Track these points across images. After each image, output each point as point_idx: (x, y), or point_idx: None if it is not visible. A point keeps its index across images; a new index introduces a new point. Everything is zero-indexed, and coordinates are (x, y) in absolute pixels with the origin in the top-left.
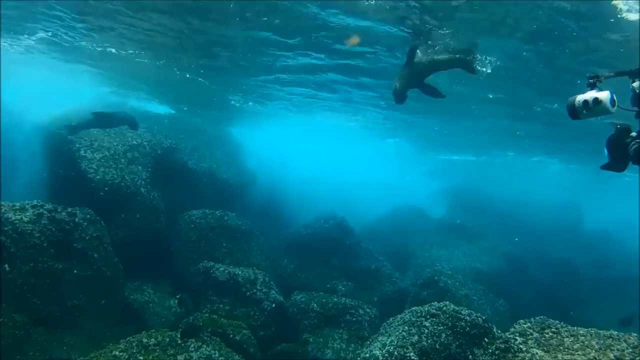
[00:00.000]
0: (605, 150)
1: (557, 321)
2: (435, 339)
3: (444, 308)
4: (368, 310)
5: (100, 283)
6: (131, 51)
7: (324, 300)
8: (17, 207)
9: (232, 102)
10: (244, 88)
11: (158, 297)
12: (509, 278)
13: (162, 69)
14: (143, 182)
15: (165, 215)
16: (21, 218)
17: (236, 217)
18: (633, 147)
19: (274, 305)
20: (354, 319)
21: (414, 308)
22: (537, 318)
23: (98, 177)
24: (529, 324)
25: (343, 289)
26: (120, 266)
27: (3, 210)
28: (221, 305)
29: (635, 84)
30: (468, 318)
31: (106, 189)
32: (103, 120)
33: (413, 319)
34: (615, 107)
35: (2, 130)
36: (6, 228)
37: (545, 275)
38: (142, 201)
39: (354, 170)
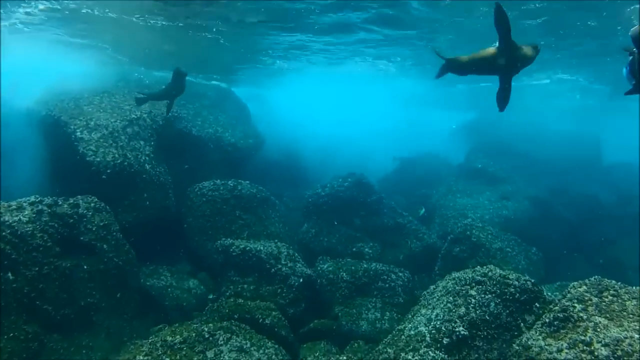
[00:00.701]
0: (628, 76)
1: (614, 281)
2: (484, 309)
3: (490, 274)
4: (400, 274)
5: (113, 275)
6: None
7: (352, 267)
8: (14, 207)
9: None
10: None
11: (176, 279)
12: (536, 222)
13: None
14: (147, 158)
15: (173, 191)
16: (19, 219)
17: (250, 185)
18: None
19: (301, 280)
20: (387, 285)
21: (456, 275)
22: (593, 279)
23: (98, 159)
24: (584, 287)
25: (370, 251)
26: (133, 252)
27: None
28: (245, 286)
29: None
30: (517, 283)
31: (108, 170)
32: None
33: (457, 287)
34: None
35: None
36: (4, 233)
37: (571, 215)
38: (149, 179)
39: (370, 120)
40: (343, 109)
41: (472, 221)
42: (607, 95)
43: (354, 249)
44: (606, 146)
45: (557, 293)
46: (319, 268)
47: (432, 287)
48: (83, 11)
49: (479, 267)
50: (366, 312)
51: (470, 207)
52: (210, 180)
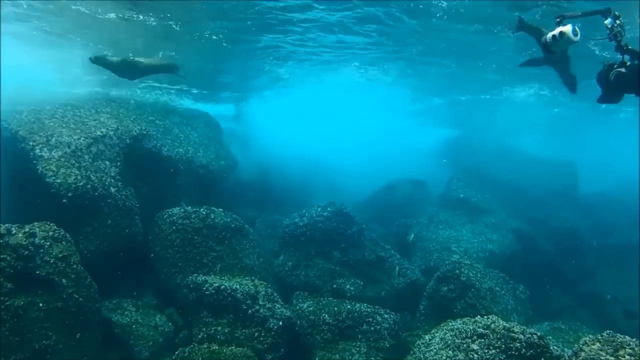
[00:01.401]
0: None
1: (627, 337)
2: None
3: (493, 326)
4: (386, 316)
5: (72, 313)
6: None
7: (335, 308)
8: None
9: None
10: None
11: (141, 315)
12: (519, 255)
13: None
14: (112, 180)
15: (140, 216)
16: None
17: (223, 214)
18: (612, 75)
19: (281, 323)
20: (372, 327)
21: (454, 325)
22: (605, 334)
23: (59, 181)
24: (598, 345)
25: (352, 288)
26: (95, 286)
27: None
28: (219, 328)
29: (607, 22)
30: (522, 337)
31: (69, 194)
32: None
33: (457, 340)
34: (579, 36)
35: None
36: None
37: (551, 247)
38: (113, 204)
39: (350, 135)
40: (322, 123)
41: (460, 258)
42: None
43: (335, 286)
44: (583, 173)
45: (561, 345)
46: (298, 307)
47: (427, 336)
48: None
49: (479, 317)
50: (350, 357)
51: (453, 240)
52: (179, 204)
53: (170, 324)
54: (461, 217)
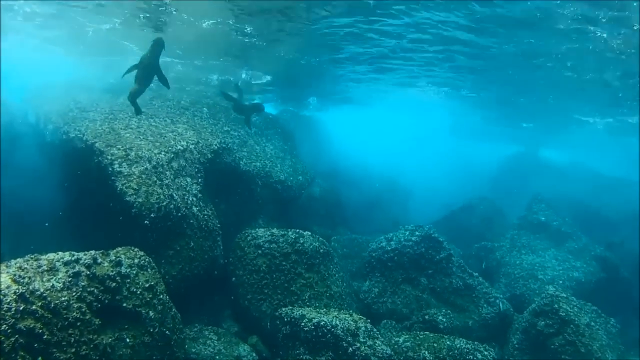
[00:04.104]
0: None
1: None
2: None
3: None
4: (486, 352)
5: (159, 347)
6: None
7: (435, 344)
8: (45, 269)
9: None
10: None
11: (224, 344)
12: (604, 286)
13: None
14: (194, 198)
15: (221, 237)
16: (52, 286)
17: (312, 238)
18: None
19: None
20: None
21: None
22: None
23: (140, 200)
24: None
25: (444, 319)
26: (179, 316)
27: (27, 278)
28: None
29: None
30: None
31: (152, 215)
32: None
33: None
34: None
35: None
36: (35, 307)
37: (629, 274)
38: (196, 225)
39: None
40: (393, 141)
41: (557, 291)
42: None
43: (427, 317)
44: None
45: None
46: (393, 341)
47: None
48: None
49: None
50: None
51: (538, 267)
52: (256, 222)
53: (254, 354)
54: (542, 241)
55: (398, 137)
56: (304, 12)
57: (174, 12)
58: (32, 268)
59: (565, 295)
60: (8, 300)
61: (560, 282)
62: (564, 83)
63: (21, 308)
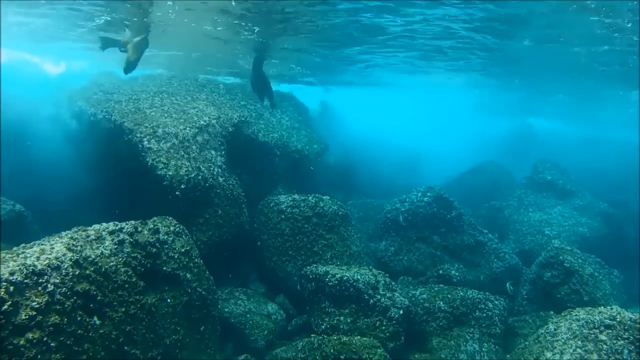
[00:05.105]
0: None
1: None
2: (617, 356)
3: (619, 317)
4: (497, 302)
5: (197, 307)
6: None
7: (449, 295)
8: (93, 238)
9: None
10: None
11: (253, 303)
12: (609, 240)
13: None
14: (219, 169)
15: (246, 205)
16: (101, 252)
17: (331, 201)
18: None
19: (401, 312)
20: (484, 314)
21: (580, 316)
22: None
23: (170, 173)
24: None
25: (457, 274)
26: (212, 278)
27: (79, 247)
28: (341, 318)
29: None
30: None
31: (182, 186)
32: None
33: (585, 331)
34: None
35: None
36: (88, 271)
37: (634, 231)
38: (222, 194)
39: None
40: (404, 115)
41: (561, 244)
42: None
43: (441, 272)
44: None
45: None
46: (410, 294)
47: (552, 326)
48: None
49: (603, 308)
50: (464, 343)
51: (545, 223)
52: (277, 189)
53: (282, 312)
54: (549, 199)
55: (422, 116)
56: None
57: None
58: (82, 238)
59: (569, 248)
60: (65, 266)
61: (566, 237)
62: None
63: (77, 273)
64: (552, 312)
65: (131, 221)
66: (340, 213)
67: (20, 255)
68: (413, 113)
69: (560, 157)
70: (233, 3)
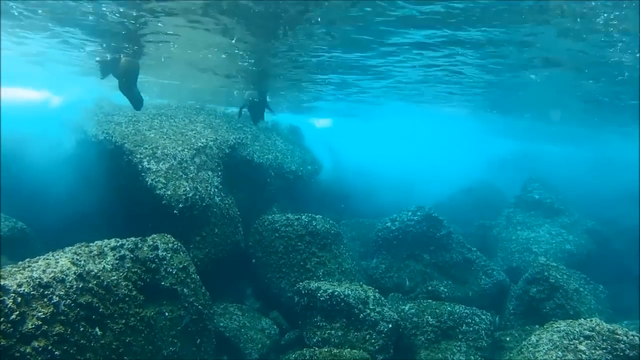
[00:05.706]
0: None
1: None
2: None
3: (597, 328)
4: (483, 316)
5: (193, 321)
6: None
7: (437, 310)
8: (95, 253)
9: None
10: None
11: (248, 319)
12: (595, 256)
13: None
14: (216, 189)
15: (241, 224)
16: (103, 267)
17: (323, 220)
18: None
19: (390, 326)
20: (471, 328)
21: (561, 327)
22: None
23: (169, 193)
24: None
25: (445, 290)
26: (208, 293)
27: (83, 261)
28: (332, 332)
29: None
30: (626, 338)
31: (180, 205)
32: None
33: (565, 342)
34: None
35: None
36: (91, 285)
37: (622, 246)
38: (219, 213)
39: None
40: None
41: (547, 260)
42: None
43: (430, 288)
44: None
45: None
46: (400, 309)
47: (533, 336)
48: None
49: (583, 320)
50: (452, 356)
51: (533, 241)
52: (270, 209)
53: (275, 327)
54: (537, 218)
55: (420, 143)
56: None
57: None
58: (85, 253)
59: (555, 264)
60: (70, 280)
61: (553, 254)
62: None
63: (80, 285)
64: (537, 326)
65: (131, 238)
66: (332, 231)
67: (27, 269)
68: (407, 136)
69: (553, 176)
70: None
